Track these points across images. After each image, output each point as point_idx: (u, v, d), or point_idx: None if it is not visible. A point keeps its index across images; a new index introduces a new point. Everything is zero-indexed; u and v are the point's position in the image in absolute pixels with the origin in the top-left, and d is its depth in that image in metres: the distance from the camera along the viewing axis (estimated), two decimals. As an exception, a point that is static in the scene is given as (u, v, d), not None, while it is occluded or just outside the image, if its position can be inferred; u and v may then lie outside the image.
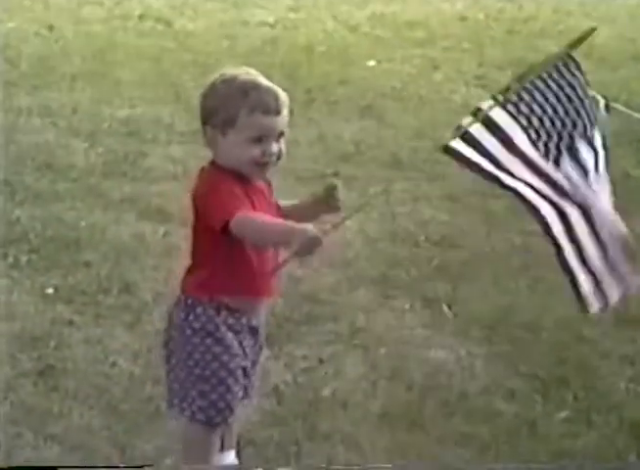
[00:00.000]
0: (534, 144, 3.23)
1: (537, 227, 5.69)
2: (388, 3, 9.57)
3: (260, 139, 3.39)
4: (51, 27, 8.80)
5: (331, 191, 3.49)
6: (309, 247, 3.23)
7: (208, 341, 3.46)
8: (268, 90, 3.43)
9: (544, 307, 5.08)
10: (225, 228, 3.32)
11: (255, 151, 3.39)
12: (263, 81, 3.44)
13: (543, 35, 8.87)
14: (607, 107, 7.63)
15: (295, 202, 3.62)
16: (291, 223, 3.36)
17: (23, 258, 5.35)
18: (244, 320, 3.50)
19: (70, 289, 5.10)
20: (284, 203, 3.59)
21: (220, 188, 3.39)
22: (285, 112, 3.43)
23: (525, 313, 5.04)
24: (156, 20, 9.15)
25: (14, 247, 5.44)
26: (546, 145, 3.24)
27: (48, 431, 4.12)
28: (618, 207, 6.03)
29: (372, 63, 8.30)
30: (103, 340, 4.73)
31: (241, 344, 3.50)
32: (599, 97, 7.79)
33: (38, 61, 8.06)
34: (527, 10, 9.53)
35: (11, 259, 5.34)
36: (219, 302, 3.46)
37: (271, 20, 9.24)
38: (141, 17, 9.20)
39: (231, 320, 3.47)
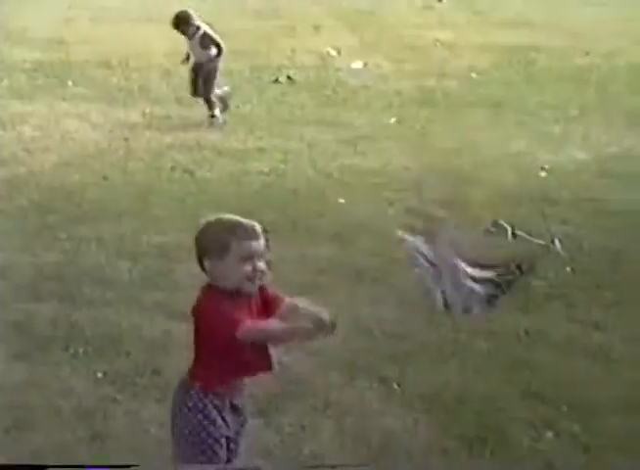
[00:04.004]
0: None
1: (465, 324, 5.73)
2: (352, 157, 9.60)
3: (250, 258, 3.37)
4: (105, 178, 8.80)
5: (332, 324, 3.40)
6: (319, 332, 3.30)
7: (199, 416, 3.43)
8: (246, 223, 3.43)
9: (469, 385, 5.04)
10: (232, 337, 3.27)
11: (247, 268, 3.37)
12: (239, 218, 3.44)
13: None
14: (513, 234, 7.68)
15: (298, 307, 3.45)
16: (289, 324, 3.34)
17: (80, 350, 5.28)
18: (227, 401, 3.46)
19: (115, 373, 5.03)
20: (293, 302, 3.49)
21: (218, 305, 3.36)
22: (262, 238, 3.43)
23: (455, 389, 4.99)
24: (183, 171, 9.14)
25: (73, 341, 5.37)
26: None
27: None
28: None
29: (341, 200, 8.30)
30: (138, 412, 4.66)
31: (224, 419, 3.46)
32: (507, 226, 7.84)
33: (96, 202, 8.04)
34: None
35: (71, 351, 5.28)
36: (206, 387, 3.43)
37: (266, 170, 9.25)
38: (172, 168, 9.19)
39: (216, 401, 3.44)
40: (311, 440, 4.45)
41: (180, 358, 5.08)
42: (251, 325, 3.32)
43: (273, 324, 3.38)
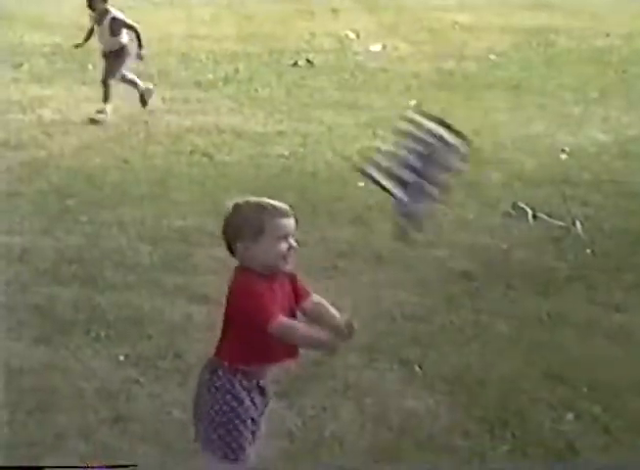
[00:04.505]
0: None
1: (486, 306, 5.72)
2: (371, 140, 9.57)
3: (284, 237, 3.36)
4: (126, 161, 8.82)
5: (349, 326, 3.40)
6: (335, 350, 3.35)
7: (227, 396, 3.41)
8: (277, 203, 3.42)
9: (490, 367, 5.03)
10: (264, 327, 3.28)
11: (283, 246, 3.35)
12: (268, 200, 3.44)
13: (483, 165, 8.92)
14: (534, 216, 7.67)
15: (328, 310, 3.49)
16: (318, 334, 3.34)
17: (102, 333, 5.30)
18: (254, 382, 3.45)
19: (137, 356, 5.04)
20: (321, 302, 3.50)
21: (254, 290, 3.33)
22: (292, 216, 3.41)
23: (476, 371, 4.98)
24: (202, 154, 9.16)
25: (96, 325, 5.39)
26: None
27: (120, 463, 4.07)
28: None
29: (361, 184, 8.28)
30: (161, 395, 4.68)
31: (252, 400, 3.44)
32: (527, 208, 7.84)
33: (116, 186, 8.07)
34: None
35: (93, 334, 5.30)
36: (236, 367, 3.42)
37: (286, 153, 9.25)
38: (191, 152, 9.20)
39: (244, 382, 3.43)
40: (332, 421, 4.46)
41: (201, 341, 5.12)
42: (284, 323, 3.30)
43: (305, 330, 3.35)
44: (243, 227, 3.36)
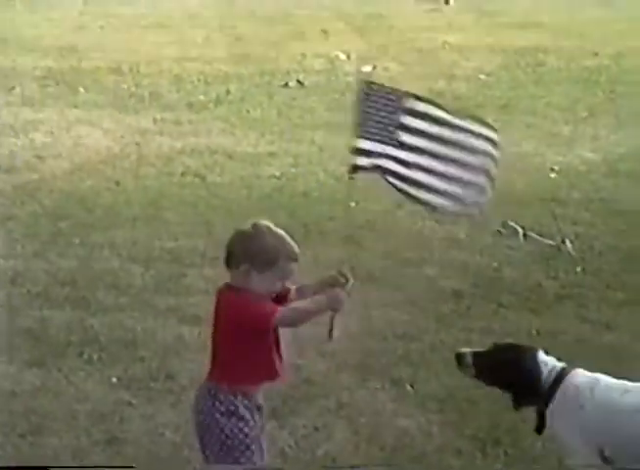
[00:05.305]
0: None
1: (477, 325, 5.73)
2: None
3: (286, 278, 3.43)
4: (117, 183, 8.81)
5: (342, 274, 3.50)
6: (340, 303, 3.39)
7: (233, 419, 3.43)
8: (293, 244, 3.46)
9: (482, 385, 5.00)
10: (270, 326, 3.36)
11: (279, 286, 3.45)
12: (287, 236, 3.47)
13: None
14: (524, 235, 7.69)
15: (308, 284, 3.59)
16: (317, 297, 3.43)
17: (95, 356, 5.31)
18: (253, 401, 3.47)
19: (129, 378, 5.05)
20: (297, 286, 3.56)
21: (254, 302, 3.39)
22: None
23: (468, 390, 4.97)
24: (194, 175, 9.15)
25: (88, 347, 5.40)
26: None
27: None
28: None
29: (352, 203, 8.26)
30: (153, 416, 4.68)
31: (253, 418, 3.47)
32: (518, 227, 7.85)
33: (108, 208, 8.07)
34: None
35: (86, 356, 5.31)
36: (235, 388, 3.43)
37: (278, 173, 9.26)
38: (182, 174, 9.20)
39: (245, 401, 3.45)
40: (325, 441, 4.46)
41: (193, 362, 5.13)
42: (286, 311, 3.38)
43: (304, 304, 3.43)
44: (257, 254, 3.42)
